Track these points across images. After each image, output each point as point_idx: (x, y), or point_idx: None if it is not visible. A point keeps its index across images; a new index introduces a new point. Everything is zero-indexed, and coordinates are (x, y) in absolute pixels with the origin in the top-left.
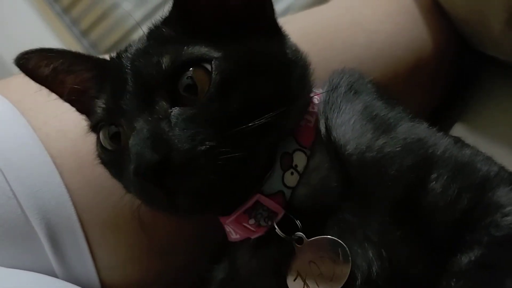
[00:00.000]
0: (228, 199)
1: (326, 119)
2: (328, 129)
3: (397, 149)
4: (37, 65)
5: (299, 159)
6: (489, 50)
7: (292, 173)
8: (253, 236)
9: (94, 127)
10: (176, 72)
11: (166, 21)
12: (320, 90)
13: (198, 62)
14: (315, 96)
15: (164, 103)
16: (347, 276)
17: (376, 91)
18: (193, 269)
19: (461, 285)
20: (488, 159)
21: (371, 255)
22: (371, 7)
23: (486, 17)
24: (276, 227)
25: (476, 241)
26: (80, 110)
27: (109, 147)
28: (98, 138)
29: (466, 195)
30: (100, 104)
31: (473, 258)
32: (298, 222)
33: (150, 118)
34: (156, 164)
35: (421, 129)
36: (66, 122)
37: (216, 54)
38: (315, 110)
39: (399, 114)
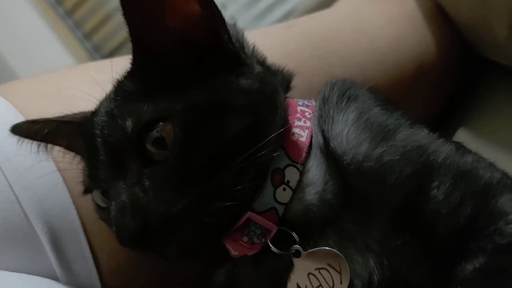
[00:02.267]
0: (218, 236)
1: (322, 131)
2: (326, 140)
3: (396, 157)
4: (28, 135)
5: (291, 175)
6: (492, 56)
7: (284, 189)
8: (249, 254)
9: (86, 191)
10: (140, 134)
11: (129, 74)
12: (312, 102)
13: (159, 121)
14: (307, 110)
15: (135, 166)
16: (347, 287)
17: (372, 97)
18: (198, 270)
19: None
20: (491, 166)
21: (372, 264)
22: (375, 12)
23: (490, 22)
24: (270, 244)
25: (480, 249)
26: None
27: (103, 205)
28: (92, 199)
29: (469, 203)
30: (84, 171)
31: (477, 265)
32: (294, 235)
33: (124, 186)
34: (137, 234)
35: (421, 136)
36: None
37: (176, 106)
38: (307, 124)
39: (398, 120)
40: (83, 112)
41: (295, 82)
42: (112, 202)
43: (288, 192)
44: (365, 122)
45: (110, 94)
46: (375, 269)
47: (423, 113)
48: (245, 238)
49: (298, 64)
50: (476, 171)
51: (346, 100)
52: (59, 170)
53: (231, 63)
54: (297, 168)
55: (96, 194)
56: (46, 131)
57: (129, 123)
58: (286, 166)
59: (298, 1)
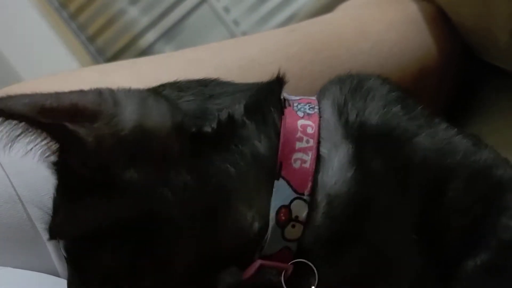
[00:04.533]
0: None
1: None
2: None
3: (415, 162)
4: None
5: (299, 209)
6: (494, 60)
7: (293, 226)
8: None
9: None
10: None
11: None
12: (315, 108)
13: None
14: (309, 123)
15: None
16: None
17: (390, 89)
18: None
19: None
20: (504, 161)
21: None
22: (376, 16)
23: (491, 27)
24: (284, 285)
25: (484, 245)
26: None
27: None
28: None
29: (480, 205)
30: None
31: (479, 262)
32: (312, 266)
33: None
34: None
35: (440, 136)
36: None
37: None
38: (310, 144)
39: (418, 121)
40: None
41: (297, 86)
42: None
43: (299, 227)
44: (387, 126)
45: None
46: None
47: None
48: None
49: (300, 67)
50: (489, 169)
51: (366, 94)
52: None
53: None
54: (304, 200)
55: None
56: None
57: None
58: (291, 201)
59: (300, 5)
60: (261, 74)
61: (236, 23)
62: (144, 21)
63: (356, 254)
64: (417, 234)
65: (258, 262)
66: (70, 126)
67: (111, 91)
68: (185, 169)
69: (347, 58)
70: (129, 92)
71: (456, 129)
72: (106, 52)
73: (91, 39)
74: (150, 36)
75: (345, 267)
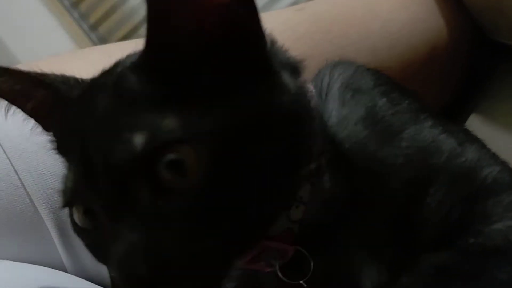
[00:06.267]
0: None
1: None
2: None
3: (400, 161)
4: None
5: (304, 190)
6: (505, 39)
7: (297, 206)
8: (267, 270)
9: (66, 206)
10: (154, 154)
11: (135, 67)
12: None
13: (182, 142)
14: None
15: (145, 195)
16: None
17: (377, 85)
18: None
19: (411, 282)
20: (491, 159)
21: (375, 273)
22: None
23: (504, 4)
24: (278, 272)
25: (449, 246)
26: (43, 126)
27: (86, 226)
28: (70, 214)
29: (458, 209)
30: (68, 184)
31: (434, 260)
32: (309, 258)
33: (131, 221)
34: (149, 283)
35: (425, 134)
36: None
37: (202, 126)
38: None
39: (404, 114)
40: (65, 77)
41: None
42: (114, 241)
43: (301, 208)
44: (373, 119)
45: (107, 83)
46: (377, 277)
47: (435, 98)
48: (262, 263)
49: (309, 47)
50: (473, 171)
51: (352, 91)
52: None
53: (259, 73)
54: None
55: (77, 212)
56: (18, 87)
57: (139, 139)
58: None
59: None
60: None
61: None
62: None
63: (342, 243)
64: (394, 228)
65: (264, 243)
66: None
67: None
68: None
69: (357, 37)
70: None
71: (441, 127)
72: (108, 40)
73: (93, 27)
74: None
75: (333, 257)
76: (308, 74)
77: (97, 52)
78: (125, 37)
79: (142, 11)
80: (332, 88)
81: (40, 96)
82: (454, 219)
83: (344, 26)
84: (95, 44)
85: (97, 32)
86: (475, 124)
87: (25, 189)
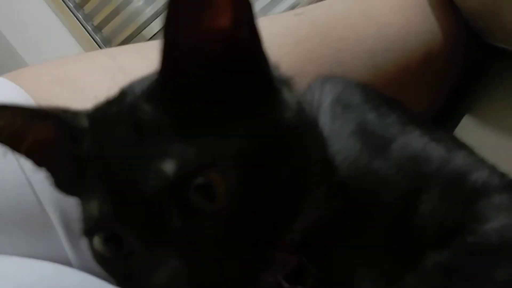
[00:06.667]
0: None
1: None
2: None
3: (392, 172)
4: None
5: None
6: (500, 42)
7: None
8: (269, 280)
9: (88, 234)
10: (184, 180)
11: (149, 97)
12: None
13: (209, 166)
14: None
15: (178, 221)
16: None
17: (366, 100)
18: None
19: (417, 281)
20: (479, 164)
21: (374, 281)
22: (383, 0)
23: (499, 7)
24: (283, 282)
25: (450, 245)
26: (39, 163)
27: (110, 255)
28: (90, 242)
29: (452, 214)
30: (92, 210)
31: (439, 259)
32: (309, 266)
33: (169, 248)
34: None
35: (415, 144)
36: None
37: (226, 149)
38: None
39: (393, 127)
40: (63, 108)
41: (305, 69)
42: (156, 268)
43: (303, 218)
44: (364, 133)
45: (120, 114)
46: None
47: (430, 101)
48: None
49: (308, 51)
50: (463, 176)
51: (342, 106)
52: None
53: (264, 92)
54: None
55: (99, 240)
56: (18, 123)
57: (170, 167)
58: None
59: None
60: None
61: None
62: (149, 11)
63: (339, 253)
64: (390, 236)
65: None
66: None
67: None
68: None
69: (355, 41)
70: None
71: (430, 136)
72: (112, 42)
73: (97, 29)
74: (154, 26)
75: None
76: (308, 78)
77: (102, 55)
78: (128, 38)
79: (145, 13)
80: (323, 103)
81: (37, 128)
82: (449, 223)
83: (341, 30)
84: (99, 44)
85: (101, 33)
86: (469, 125)
87: (32, 187)
